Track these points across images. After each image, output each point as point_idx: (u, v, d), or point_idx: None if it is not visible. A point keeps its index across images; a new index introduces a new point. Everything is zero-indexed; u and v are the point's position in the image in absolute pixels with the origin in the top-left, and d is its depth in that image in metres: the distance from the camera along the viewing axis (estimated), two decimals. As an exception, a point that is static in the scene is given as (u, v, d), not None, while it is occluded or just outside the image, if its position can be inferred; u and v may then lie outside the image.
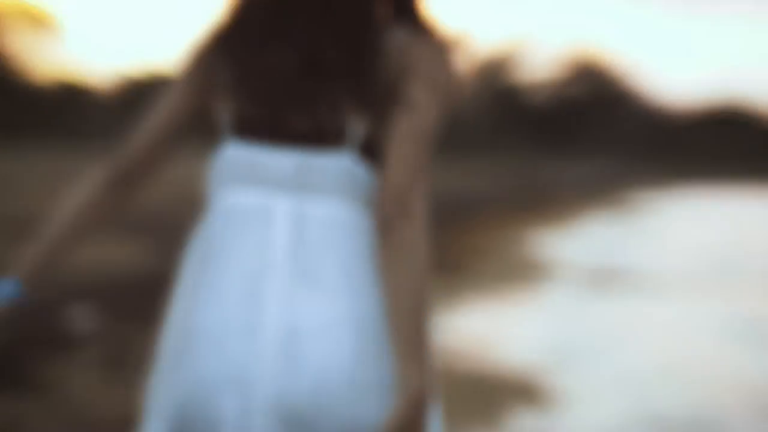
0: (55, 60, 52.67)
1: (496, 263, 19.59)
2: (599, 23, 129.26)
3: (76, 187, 3.02)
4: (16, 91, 54.24)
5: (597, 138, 73.34)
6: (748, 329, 13.44)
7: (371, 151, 2.87)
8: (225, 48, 2.94)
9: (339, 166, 2.84)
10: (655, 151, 79.92)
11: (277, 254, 2.83)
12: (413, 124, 2.83)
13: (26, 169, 31.57)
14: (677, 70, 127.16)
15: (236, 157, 2.88)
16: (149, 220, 19.35)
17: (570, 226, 29.05)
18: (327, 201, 2.86)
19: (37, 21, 51.38)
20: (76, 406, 7.43)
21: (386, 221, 2.78)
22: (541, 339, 12.57)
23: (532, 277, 17.73)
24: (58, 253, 2.99)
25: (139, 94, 64.09)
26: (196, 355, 2.83)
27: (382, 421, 2.73)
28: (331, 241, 2.84)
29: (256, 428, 2.77)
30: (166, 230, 17.37)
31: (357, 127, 2.84)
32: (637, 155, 76.18)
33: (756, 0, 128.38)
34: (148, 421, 2.93)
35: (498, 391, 9.39)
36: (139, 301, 11.32)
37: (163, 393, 2.90)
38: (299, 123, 2.85)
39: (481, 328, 12.56)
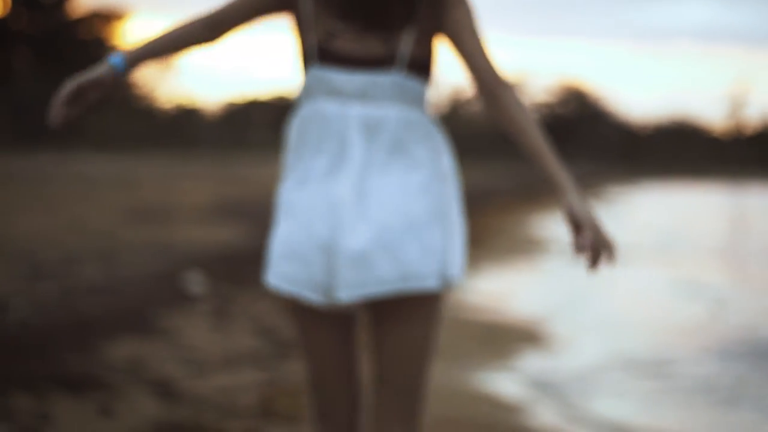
0: (175, 90, 52.66)
1: (506, 239, 19.52)
2: (582, 59, 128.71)
3: (185, 22, 3.10)
4: (148, 113, 54.55)
5: (581, 146, 73.25)
6: (690, 288, 13.39)
7: (418, 66, 3.00)
8: None
9: (392, 81, 2.96)
10: (623, 156, 79.86)
11: (354, 144, 2.96)
12: (472, 23, 3.01)
13: (154, 170, 31.68)
14: (640, 93, 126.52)
15: (319, 76, 3.00)
16: (244, 209, 19.38)
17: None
18: (385, 106, 2.97)
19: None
20: (190, 347, 7.40)
21: (493, 93, 2.98)
22: (540, 297, 12.53)
23: (533, 251, 17.67)
24: (157, 52, 3.07)
25: (236, 114, 64.43)
26: (291, 224, 2.97)
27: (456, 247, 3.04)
28: (391, 131, 2.97)
29: (338, 271, 2.91)
30: (256, 217, 17.44)
31: (405, 50, 2.97)
32: (610, 159, 76.29)
33: (695, 40, 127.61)
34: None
35: (508, 336, 9.31)
36: (238, 270, 11.34)
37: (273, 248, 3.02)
38: (362, 51, 2.98)
39: (495, 289, 12.49)
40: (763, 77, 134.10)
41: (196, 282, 10.15)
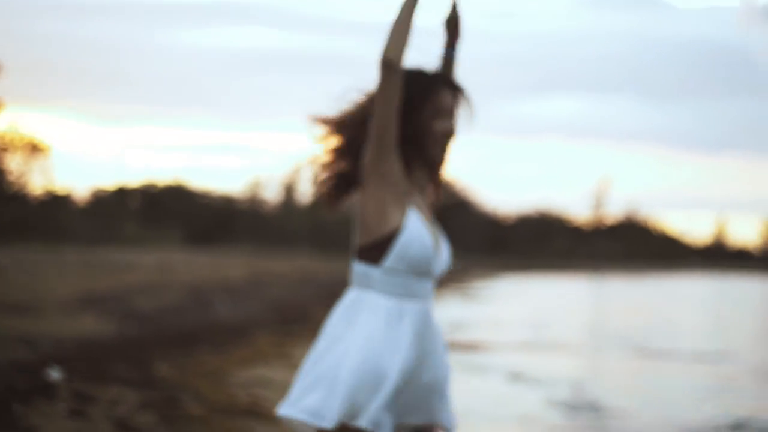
0: (45, 176, 51.99)
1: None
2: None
3: None
4: (16, 199, 53.61)
5: (452, 237, 74.09)
6: (530, 381, 13.56)
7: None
8: None
9: None
10: (490, 248, 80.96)
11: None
12: None
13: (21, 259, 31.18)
14: (506, 187, 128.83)
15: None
16: (110, 301, 19.20)
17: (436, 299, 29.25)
18: None
19: (34, 148, 50.97)
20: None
21: None
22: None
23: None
24: None
25: (105, 202, 63.85)
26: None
27: None
28: None
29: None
30: (122, 310, 17.34)
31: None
32: (476, 252, 77.21)
33: (562, 136, 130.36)
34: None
35: None
36: (100, 365, 11.24)
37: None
38: None
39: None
40: (625, 172, 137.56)
41: (57, 375, 10.08)
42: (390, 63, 3.35)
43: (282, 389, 11.02)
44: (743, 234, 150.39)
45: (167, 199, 69.44)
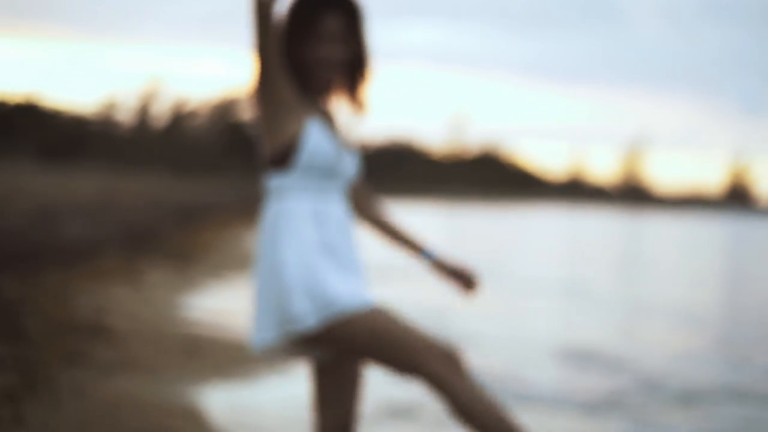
0: None
1: (218, 255, 19.46)
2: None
3: None
4: None
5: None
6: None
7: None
8: None
9: None
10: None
11: None
12: None
13: None
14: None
15: None
16: None
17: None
18: None
19: None
20: None
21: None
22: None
23: (244, 265, 17.66)
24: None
25: None
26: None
27: None
28: None
29: None
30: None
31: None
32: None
33: (423, 61, 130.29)
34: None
35: (215, 351, 9.21)
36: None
37: None
38: None
39: (210, 304, 12.42)
40: (483, 102, 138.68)
41: None
42: None
43: (127, 309, 10.76)
44: (600, 168, 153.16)
45: (18, 117, 67.78)
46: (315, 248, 3.50)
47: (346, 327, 3.46)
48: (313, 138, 3.52)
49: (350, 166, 3.67)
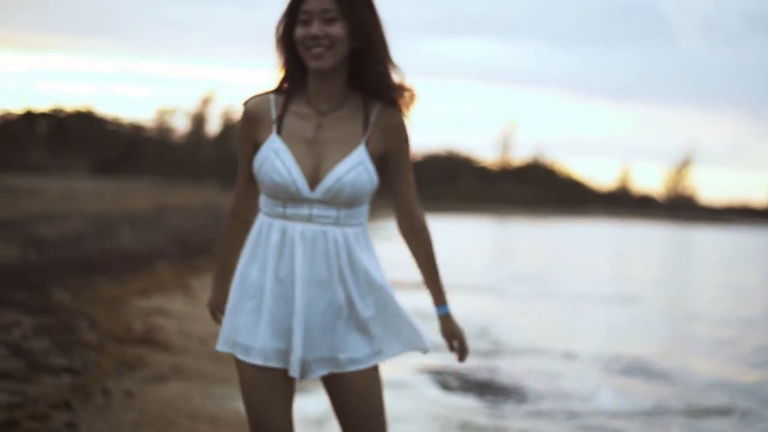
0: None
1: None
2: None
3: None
4: None
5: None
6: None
7: None
8: None
9: None
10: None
11: None
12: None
13: None
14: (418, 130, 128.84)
15: None
16: (7, 230, 18.80)
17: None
18: None
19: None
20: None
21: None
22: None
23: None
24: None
25: (13, 127, 62.62)
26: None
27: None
28: None
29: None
30: (19, 237, 16.96)
31: None
32: (382, 191, 77.19)
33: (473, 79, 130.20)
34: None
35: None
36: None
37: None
38: None
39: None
40: (532, 117, 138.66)
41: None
42: None
43: (178, 319, 10.84)
44: (646, 181, 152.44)
45: (75, 125, 68.31)
46: (236, 279, 3.47)
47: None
48: (260, 157, 3.36)
49: (326, 188, 3.36)
